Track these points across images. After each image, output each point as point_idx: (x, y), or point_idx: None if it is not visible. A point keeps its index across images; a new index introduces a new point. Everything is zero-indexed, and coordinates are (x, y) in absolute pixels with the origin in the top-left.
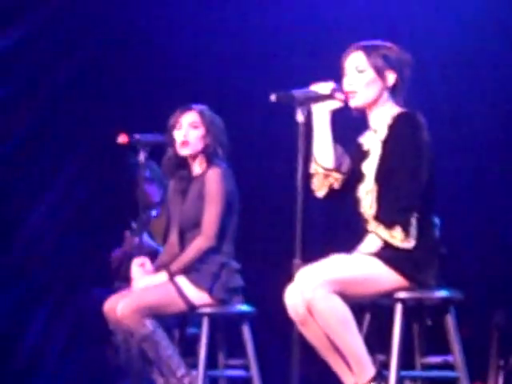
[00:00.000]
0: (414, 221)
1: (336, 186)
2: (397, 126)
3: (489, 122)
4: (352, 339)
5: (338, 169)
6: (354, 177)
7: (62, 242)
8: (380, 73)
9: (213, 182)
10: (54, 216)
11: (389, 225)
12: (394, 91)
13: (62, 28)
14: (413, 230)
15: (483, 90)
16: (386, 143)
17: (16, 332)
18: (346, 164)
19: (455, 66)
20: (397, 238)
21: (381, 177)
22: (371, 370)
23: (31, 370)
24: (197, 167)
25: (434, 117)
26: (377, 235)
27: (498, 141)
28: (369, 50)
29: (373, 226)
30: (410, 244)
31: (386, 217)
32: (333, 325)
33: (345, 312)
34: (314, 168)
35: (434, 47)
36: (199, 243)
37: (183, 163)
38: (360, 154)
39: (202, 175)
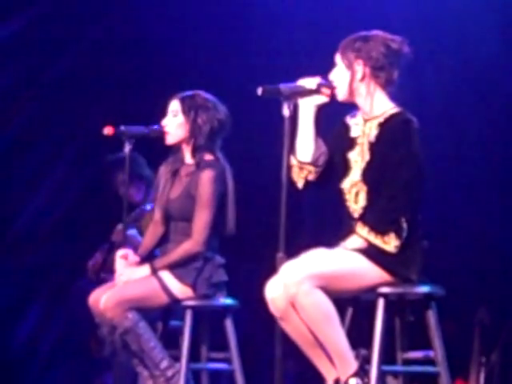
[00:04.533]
0: (405, 225)
1: (310, 177)
2: (390, 130)
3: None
4: (335, 334)
5: (313, 163)
6: (336, 165)
7: (52, 243)
8: (349, 65)
9: (205, 186)
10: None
11: (382, 232)
12: (381, 83)
13: (59, 23)
14: (404, 234)
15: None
16: (377, 144)
17: (6, 332)
18: (323, 157)
19: (450, 64)
20: (390, 244)
21: (370, 178)
22: (353, 365)
23: (23, 366)
24: (187, 155)
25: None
26: (366, 241)
27: (487, 138)
28: (343, 47)
29: (363, 232)
30: (399, 247)
31: (378, 225)
32: (316, 320)
33: (328, 307)
34: (291, 160)
35: (429, 45)
36: (188, 247)
37: (177, 148)
38: (347, 140)
39: (194, 171)
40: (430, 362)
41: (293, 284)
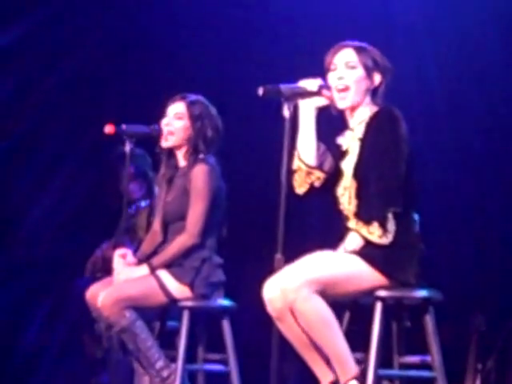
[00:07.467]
0: (391, 216)
1: (317, 184)
2: (374, 122)
3: (486, 122)
4: (335, 340)
5: (320, 167)
6: (333, 176)
7: (58, 243)
8: (369, 72)
9: (198, 179)
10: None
11: (366, 221)
12: (375, 94)
13: (60, 27)
14: (390, 226)
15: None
16: (363, 140)
17: (13, 333)
18: (328, 163)
19: (453, 64)
20: (374, 233)
21: (359, 173)
22: (354, 369)
23: (29, 369)
24: (181, 159)
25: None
26: (357, 232)
27: (491, 138)
28: (359, 50)
29: (353, 223)
30: (387, 240)
31: (363, 213)
32: (316, 326)
33: (327, 313)
34: (296, 164)
35: (432, 45)
36: (183, 240)
37: (172, 153)
38: (339, 154)
39: (187, 169)
40: (426, 366)
41: (291, 290)
